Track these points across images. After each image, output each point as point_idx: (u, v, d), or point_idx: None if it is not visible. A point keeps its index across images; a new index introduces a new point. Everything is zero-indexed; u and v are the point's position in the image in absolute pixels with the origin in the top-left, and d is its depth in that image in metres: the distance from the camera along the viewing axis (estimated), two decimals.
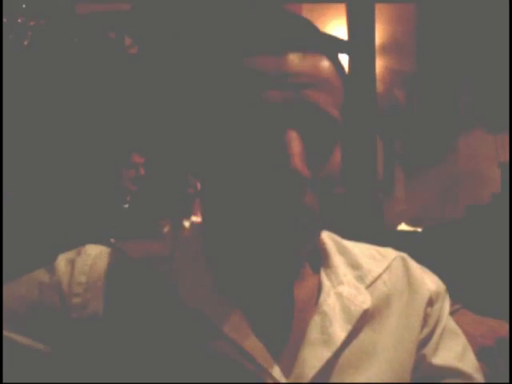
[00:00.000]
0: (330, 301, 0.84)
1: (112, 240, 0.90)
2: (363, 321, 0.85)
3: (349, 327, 0.83)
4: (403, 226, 3.39)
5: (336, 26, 4.29)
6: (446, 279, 1.03)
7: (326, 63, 0.78)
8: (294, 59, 0.76)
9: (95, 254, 0.86)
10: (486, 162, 4.40)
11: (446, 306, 0.94)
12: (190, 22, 3.22)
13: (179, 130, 0.88)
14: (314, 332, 0.81)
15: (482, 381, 0.90)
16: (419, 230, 2.76)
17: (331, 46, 0.81)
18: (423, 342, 0.89)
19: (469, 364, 0.91)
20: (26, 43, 2.94)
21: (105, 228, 2.95)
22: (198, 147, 0.83)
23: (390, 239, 1.89)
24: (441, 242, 1.43)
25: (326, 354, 0.80)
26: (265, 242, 0.76)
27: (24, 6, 3.02)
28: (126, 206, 3.19)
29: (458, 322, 1.03)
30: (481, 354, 1.09)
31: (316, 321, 0.82)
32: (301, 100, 0.74)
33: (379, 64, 4.56)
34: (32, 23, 2.97)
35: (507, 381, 1.05)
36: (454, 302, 1.13)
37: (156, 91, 3.10)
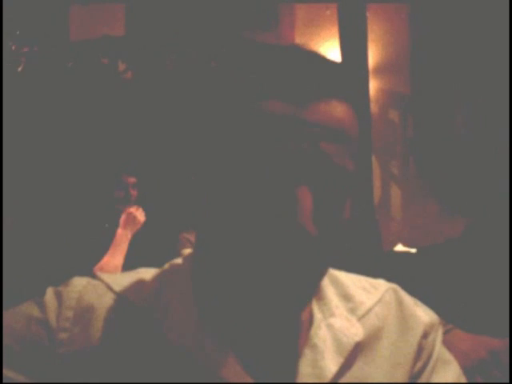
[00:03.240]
0: (321, 333, 0.83)
1: (98, 273, 0.89)
2: (355, 353, 0.83)
3: (340, 360, 0.81)
4: (400, 247, 3.37)
5: (329, 48, 4.31)
6: (440, 299, 1.03)
7: (345, 111, 0.75)
8: (315, 109, 0.73)
9: (81, 287, 0.85)
10: None
11: (439, 337, 0.92)
12: (192, 43, 3.24)
13: (178, 160, 0.86)
14: (304, 366, 0.79)
15: None
16: (413, 250, 2.75)
17: (352, 89, 0.78)
18: (416, 375, 0.87)
19: None
20: (19, 69, 2.96)
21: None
22: (201, 186, 0.80)
23: (383, 260, 1.88)
24: (434, 262, 1.43)
25: None
26: (261, 292, 0.74)
27: (18, 32, 3.04)
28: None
29: (450, 342, 1.02)
30: (476, 368, 1.09)
31: (307, 354, 0.80)
32: (316, 153, 0.72)
33: (373, 85, 4.59)
34: (25, 49, 2.98)
35: (507, 381, 1.05)
36: (446, 322, 1.12)
37: (153, 116, 3.11)
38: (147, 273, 0.90)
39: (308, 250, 0.72)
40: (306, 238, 0.71)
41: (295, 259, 0.72)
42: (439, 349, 0.91)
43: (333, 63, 0.79)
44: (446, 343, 0.94)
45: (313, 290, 0.80)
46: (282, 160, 0.71)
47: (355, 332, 0.84)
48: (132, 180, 3.14)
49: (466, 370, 0.94)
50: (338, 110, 0.74)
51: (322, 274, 0.79)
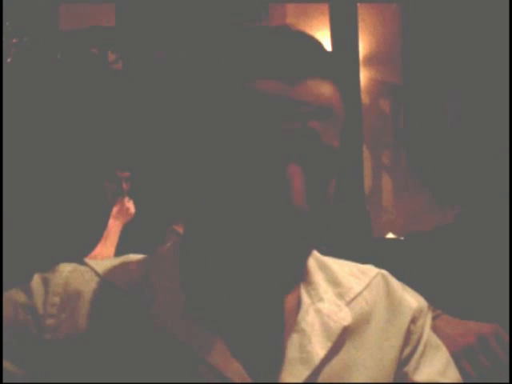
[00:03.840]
0: (308, 318, 0.83)
1: (85, 259, 0.89)
2: (343, 338, 0.83)
3: (329, 344, 0.81)
4: (390, 236, 3.39)
5: (319, 38, 4.30)
6: (428, 285, 1.03)
7: (332, 90, 0.76)
8: (304, 87, 0.73)
9: (68, 273, 0.85)
10: None
11: (428, 322, 0.93)
12: (181, 35, 3.23)
13: (170, 148, 0.86)
14: (292, 351, 0.80)
15: None
16: (401, 238, 2.76)
17: (337, 68, 0.80)
18: (405, 360, 0.88)
19: (451, 378, 0.90)
20: (9, 60, 2.94)
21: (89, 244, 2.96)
22: (193, 169, 0.80)
23: (373, 247, 1.88)
24: (423, 248, 1.44)
25: (304, 372, 0.79)
26: (258, 272, 0.75)
27: (7, 23, 3.01)
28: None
29: (438, 327, 1.03)
30: (464, 353, 1.10)
31: (294, 339, 0.81)
32: (306, 132, 0.72)
33: (364, 75, 4.58)
34: (14, 40, 2.97)
35: (507, 380, 1.05)
36: (435, 308, 1.13)
37: (144, 107, 3.10)
38: (134, 259, 0.90)
39: (302, 227, 0.73)
40: (300, 216, 0.71)
41: (290, 237, 0.73)
42: (428, 334, 0.92)
43: (320, 43, 0.81)
44: (434, 328, 0.95)
45: (301, 269, 0.82)
46: (272, 139, 0.71)
47: (343, 316, 0.84)
48: (126, 174, 3.14)
49: (453, 354, 0.95)
50: (325, 88, 0.75)
51: (308, 252, 0.80)
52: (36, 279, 0.85)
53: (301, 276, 0.89)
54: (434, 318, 1.06)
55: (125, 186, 3.15)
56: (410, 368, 0.88)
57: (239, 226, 0.73)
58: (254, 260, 0.74)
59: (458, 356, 1.05)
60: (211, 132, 0.76)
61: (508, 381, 1.04)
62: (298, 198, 0.70)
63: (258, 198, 0.72)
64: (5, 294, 0.85)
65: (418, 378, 0.88)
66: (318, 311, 0.84)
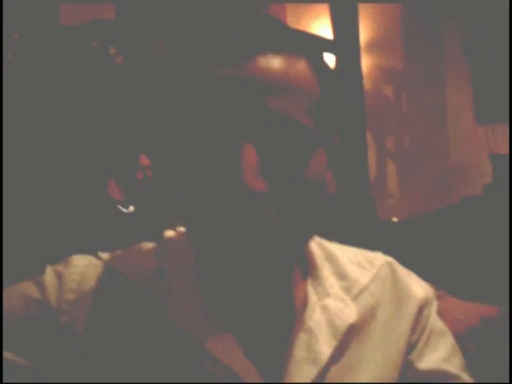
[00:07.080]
0: (315, 316, 0.82)
1: (99, 252, 0.87)
2: (349, 335, 0.83)
3: (334, 342, 0.81)
4: (395, 220, 3.39)
5: (320, 25, 4.30)
6: (432, 265, 1.03)
7: (298, 65, 0.73)
8: (259, 63, 0.71)
9: (83, 268, 0.83)
10: (478, 154, 4.42)
11: (434, 309, 0.92)
12: (180, 27, 3.22)
13: (158, 136, 0.85)
14: (299, 350, 0.79)
15: (469, 380, 0.88)
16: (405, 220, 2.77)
17: (308, 45, 0.77)
18: (410, 348, 0.88)
19: (455, 364, 0.89)
20: (10, 56, 2.94)
21: (106, 233, 2.94)
22: (168, 157, 0.79)
23: (379, 231, 1.89)
24: (425, 230, 1.44)
25: (312, 372, 0.78)
26: (235, 255, 0.72)
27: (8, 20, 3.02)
28: (131, 209, 3.19)
29: (444, 309, 1.03)
30: (468, 335, 1.10)
31: (301, 338, 0.80)
32: (261, 109, 0.70)
33: (367, 62, 4.57)
34: (15, 37, 2.96)
35: (507, 380, 1.05)
36: (438, 288, 1.13)
37: (144, 100, 3.10)
38: (148, 249, 0.89)
39: (257, 206, 0.70)
40: (254, 195, 0.69)
41: (245, 218, 0.70)
42: (433, 321, 0.91)
43: (273, 18, 0.78)
44: (439, 310, 0.95)
45: (285, 246, 0.75)
46: (224, 120, 0.70)
47: (349, 314, 0.84)
48: (147, 162, 3.13)
49: (458, 336, 0.95)
50: (280, 63, 0.72)
51: (289, 232, 0.74)
52: (49, 273, 0.83)
53: (307, 270, 0.88)
54: (438, 299, 1.07)
55: (149, 173, 3.13)
56: (414, 355, 0.87)
57: (208, 213, 0.72)
58: (230, 244, 0.71)
59: (463, 337, 1.05)
60: (172, 122, 0.76)
61: (508, 381, 1.04)
62: (249, 177, 0.68)
63: (211, 181, 0.71)
64: (14, 288, 0.83)
65: (422, 365, 0.87)
66: (325, 308, 0.83)
